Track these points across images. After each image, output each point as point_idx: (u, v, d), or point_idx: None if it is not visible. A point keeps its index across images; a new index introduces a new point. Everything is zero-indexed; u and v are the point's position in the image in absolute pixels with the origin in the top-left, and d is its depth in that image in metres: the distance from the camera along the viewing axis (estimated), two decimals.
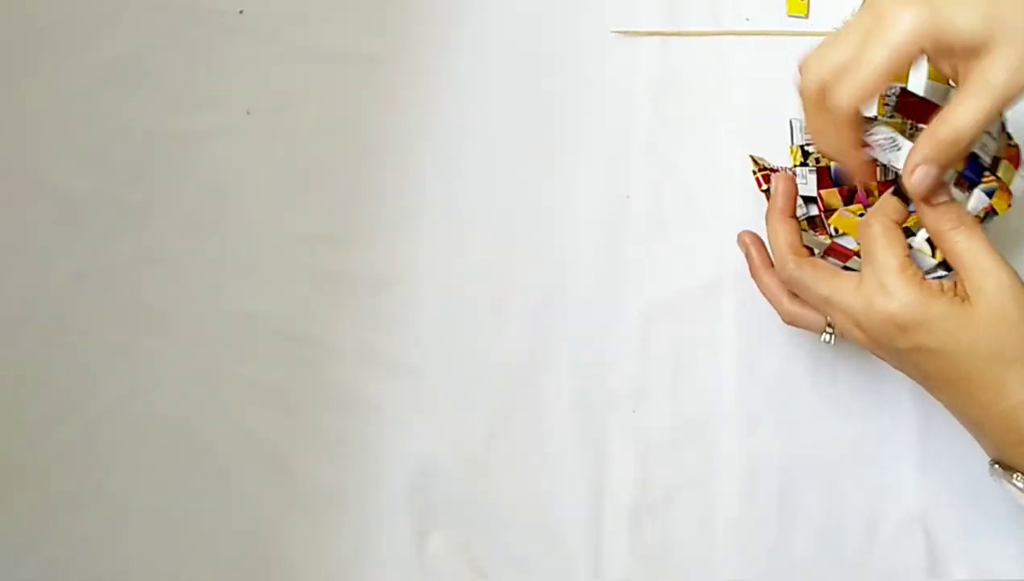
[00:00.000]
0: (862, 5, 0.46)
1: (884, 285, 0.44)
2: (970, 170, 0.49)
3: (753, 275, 0.53)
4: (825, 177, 0.58)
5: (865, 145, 0.47)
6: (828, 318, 0.49)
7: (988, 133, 0.49)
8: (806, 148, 0.58)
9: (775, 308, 0.52)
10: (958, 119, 0.43)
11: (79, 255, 0.63)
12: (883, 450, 0.56)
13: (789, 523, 0.55)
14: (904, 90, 0.53)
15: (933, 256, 0.48)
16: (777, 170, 0.58)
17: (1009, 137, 0.51)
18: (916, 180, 0.44)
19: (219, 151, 0.65)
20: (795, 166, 0.58)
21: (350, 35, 0.67)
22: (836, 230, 0.56)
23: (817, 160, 0.58)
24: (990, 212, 0.50)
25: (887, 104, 0.54)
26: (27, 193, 0.64)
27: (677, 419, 0.58)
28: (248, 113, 0.66)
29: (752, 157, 0.59)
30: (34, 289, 0.62)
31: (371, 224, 0.63)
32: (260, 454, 0.58)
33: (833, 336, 0.50)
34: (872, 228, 0.46)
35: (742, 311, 0.58)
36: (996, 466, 0.47)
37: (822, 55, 0.45)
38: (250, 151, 0.65)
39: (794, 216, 0.50)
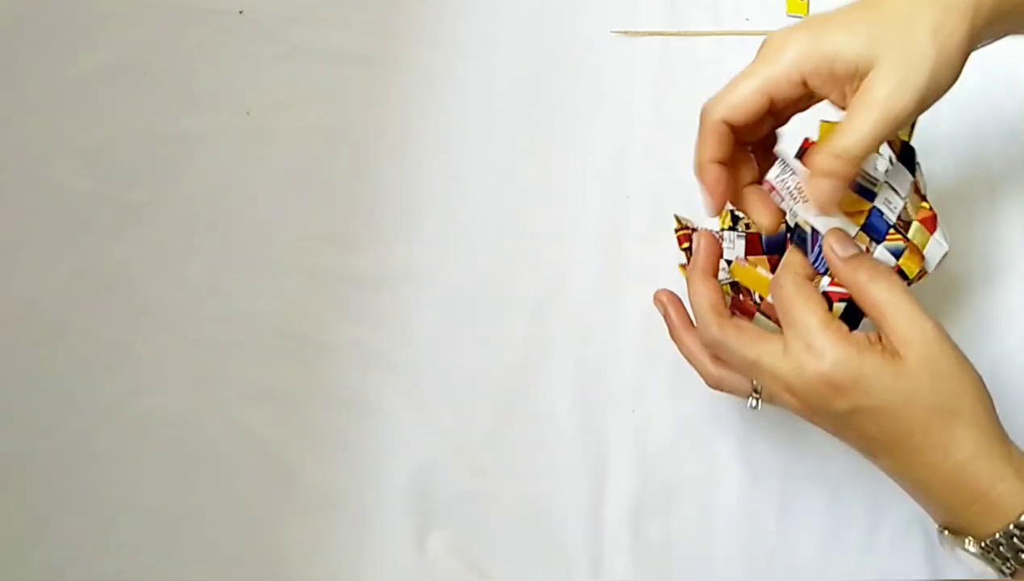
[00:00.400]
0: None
1: (811, 345, 0.42)
2: (874, 219, 0.47)
3: (673, 337, 0.50)
4: (755, 244, 0.56)
5: (770, 188, 0.46)
6: (755, 382, 0.47)
7: (894, 189, 0.47)
8: (735, 212, 0.56)
9: (698, 372, 0.49)
10: (844, 136, 0.42)
11: (79, 255, 0.63)
12: None
13: (789, 523, 0.55)
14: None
15: (830, 310, 0.45)
16: (709, 233, 0.56)
17: (924, 199, 0.49)
18: (815, 195, 0.44)
19: (219, 151, 0.65)
20: (723, 230, 0.56)
21: (350, 35, 0.67)
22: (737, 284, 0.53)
23: (747, 225, 0.56)
24: (900, 275, 0.47)
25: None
26: (27, 193, 0.64)
27: (677, 419, 0.58)
28: (248, 113, 0.66)
29: (676, 216, 0.56)
30: (34, 289, 0.62)
31: (371, 224, 0.63)
32: (260, 454, 0.58)
33: (759, 401, 0.48)
34: (784, 288, 0.44)
35: None
36: (945, 532, 0.44)
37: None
38: (250, 151, 0.65)
39: (716, 275, 0.48)
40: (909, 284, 0.47)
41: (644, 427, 0.58)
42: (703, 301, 0.47)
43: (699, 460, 0.57)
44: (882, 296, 0.43)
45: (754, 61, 0.44)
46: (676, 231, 0.56)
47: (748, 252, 0.56)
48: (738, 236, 0.56)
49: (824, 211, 0.45)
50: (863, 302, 0.43)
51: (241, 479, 0.58)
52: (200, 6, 0.68)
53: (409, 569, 0.56)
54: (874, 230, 0.47)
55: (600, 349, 0.59)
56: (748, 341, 0.45)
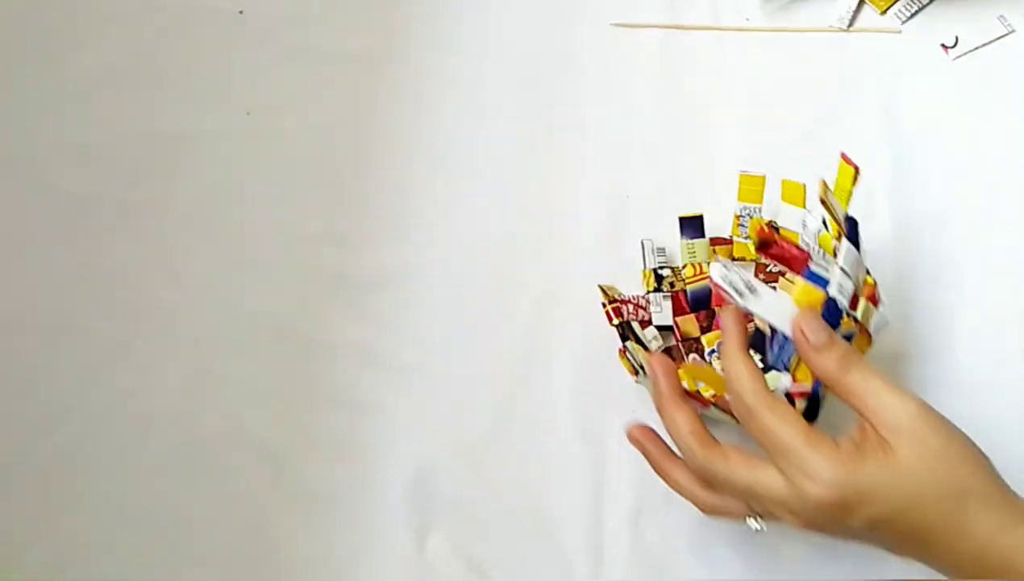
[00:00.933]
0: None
1: (806, 472, 0.40)
2: (829, 309, 0.45)
3: (657, 472, 0.48)
4: (680, 303, 0.56)
5: (717, 288, 0.45)
6: (752, 506, 0.44)
7: (845, 273, 0.46)
8: (659, 271, 0.56)
9: (691, 502, 0.47)
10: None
11: (79, 255, 0.63)
12: None
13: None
14: (769, 225, 0.51)
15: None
16: (628, 301, 0.56)
17: (868, 272, 0.49)
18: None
19: (219, 151, 0.65)
20: (648, 292, 0.56)
21: (350, 35, 0.67)
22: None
23: (672, 284, 0.56)
24: None
25: (742, 225, 0.52)
26: (27, 193, 0.64)
27: None
28: (248, 113, 0.66)
29: (600, 287, 0.56)
30: (34, 289, 0.62)
31: (371, 224, 0.63)
32: (260, 454, 0.58)
33: (762, 523, 0.45)
34: (752, 413, 0.41)
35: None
36: None
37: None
38: (250, 151, 0.65)
39: (686, 397, 0.46)
40: None
41: None
42: (682, 429, 0.44)
43: None
44: (859, 385, 0.41)
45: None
46: (604, 306, 0.55)
47: (675, 312, 0.57)
48: (664, 297, 0.56)
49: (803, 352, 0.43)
50: (839, 391, 0.42)
51: (241, 479, 0.58)
52: (200, 6, 0.68)
53: (409, 569, 0.56)
54: (828, 319, 0.45)
55: (600, 349, 0.59)
56: (739, 470, 0.42)
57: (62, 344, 0.61)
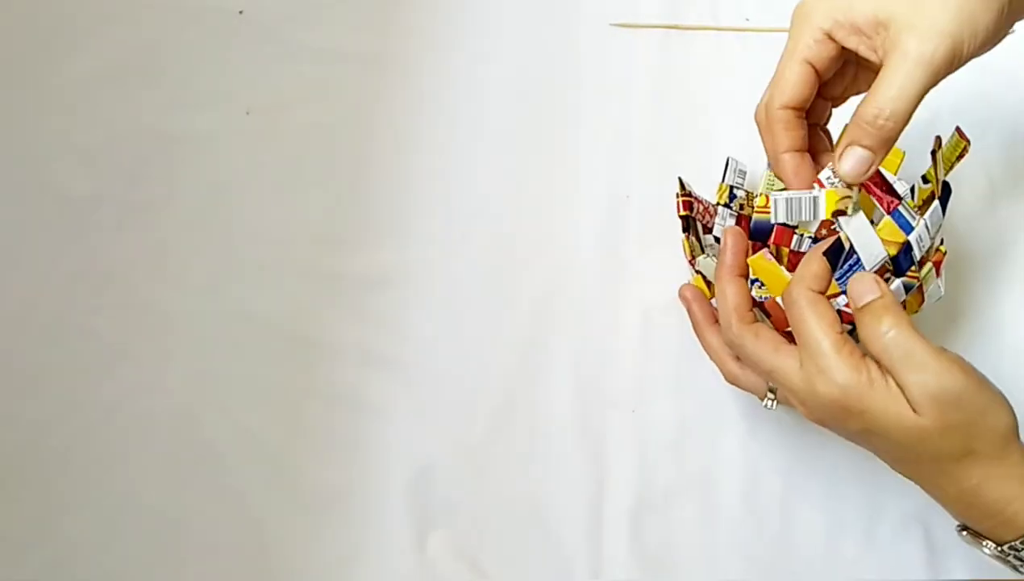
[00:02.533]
0: None
1: (822, 368, 0.42)
2: (903, 254, 0.47)
3: (696, 332, 0.51)
4: (743, 227, 0.55)
5: (819, 183, 0.45)
6: (770, 385, 0.48)
7: (928, 228, 0.47)
8: (735, 190, 0.56)
9: (717, 367, 0.50)
10: (880, 94, 0.42)
11: (79, 255, 0.63)
12: None
13: (789, 523, 0.55)
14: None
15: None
16: (702, 201, 0.57)
17: (942, 241, 0.50)
18: (847, 167, 0.44)
19: (219, 151, 0.65)
20: (719, 204, 0.56)
21: (350, 35, 0.67)
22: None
23: (741, 206, 0.56)
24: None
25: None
26: (27, 193, 0.64)
27: (677, 419, 0.58)
28: (248, 113, 0.66)
29: (680, 180, 0.56)
30: (34, 289, 0.62)
31: (371, 224, 0.63)
32: (260, 454, 0.58)
33: (775, 402, 0.48)
34: (798, 304, 0.43)
35: None
36: (964, 532, 0.45)
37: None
38: (250, 151, 0.65)
39: (744, 275, 0.48)
40: None
41: (644, 427, 0.58)
42: (728, 302, 0.47)
43: (699, 460, 0.57)
44: (898, 350, 0.41)
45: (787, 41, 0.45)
46: (678, 195, 0.55)
47: None
48: (730, 214, 0.56)
49: (855, 181, 0.44)
50: (873, 349, 0.42)
51: (241, 479, 0.58)
52: (200, 6, 0.68)
53: (409, 569, 0.56)
54: (900, 264, 0.47)
55: (600, 349, 0.59)
56: (765, 350, 0.45)
57: (62, 344, 0.61)
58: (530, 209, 0.62)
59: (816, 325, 0.42)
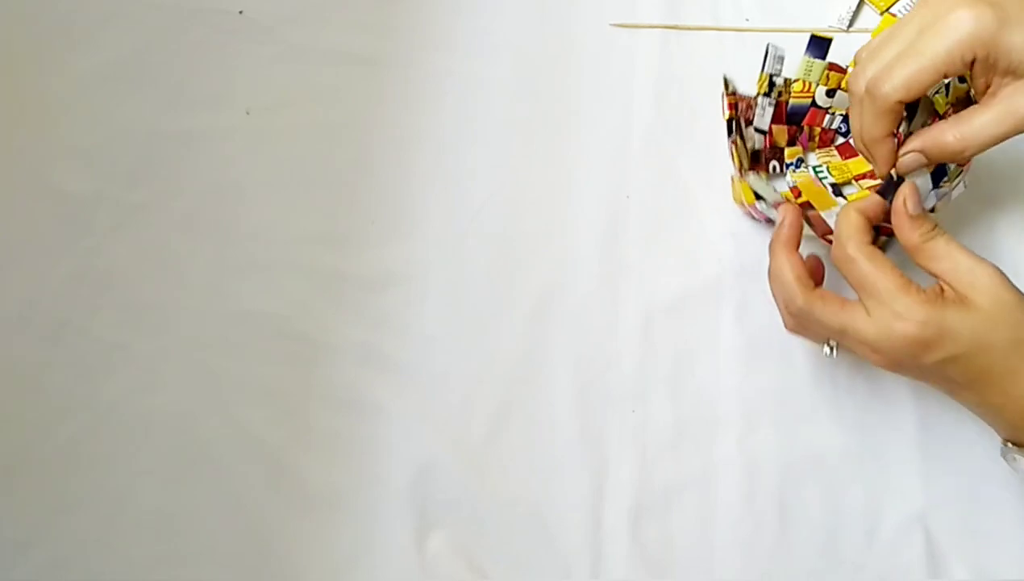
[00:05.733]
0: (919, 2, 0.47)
1: (896, 311, 0.45)
2: (939, 171, 0.51)
3: (771, 253, 0.51)
4: (780, 112, 0.59)
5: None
6: (840, 344, 0.49)
7: None
8: (774, 78, 0.59)
9: (780, 314, 0.51)
10: (972, 133, 0.45)
11: (79, 255, 0.63)
12: (883, 450, 0.56)
13: (789, 523, 0.55)
14: None
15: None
16: (745, 99, 0.59)
17: None
18: (905, 163, 0.48)
19: (219, 151, 0.65)
20: (759, 95, 0.59)
21: (350, 35, 0.67)
22: (795, 184, 0.59)
23: (780, 93, 0.59)
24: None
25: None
26: (27, 193, 0.64)
27: (677, 419, 0.58)
28: (248, 113, 0.66)
29: (725, 78, 0.58)
30: (34, 289, 0.62)
31: (371, 224, 0.63)
32: (260, 454, 0.58)
33: (835, 350, 0.50)
34: (856, 261, 0.46)
35: (742, 311, 0.58)
36: (1009, 444, 0.48)
37: (876, 50, 0.47)
38: (250, 151, 0.65)
39: (798, 247, 0.50)
40: None
41: (644, 427, 0.58)
42: (788, 273, 0.49)
43: (699, 460, 0.57)
44: (942, 250, 0.46)
45: (923, 36, 0.45)
46: (723, 96, 0.58)
47: (774, 120, 0.59)
48: (769, 103, 0.59)
49: (903, 174, 0.48)
50: (923, 257, 0.46)
51: (241, 479, 0.58)
52: (200, 6, 0.68)
53: (409, 569, 0.56)
54: (936, 176, 0.50)
55: (600, 349, 0.59)
56: (833, 310, 0.47)
57: (62, 344, 0.61)
58: (530, 209, 0.62)
59: (879, 275, 0.45)
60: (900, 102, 0.46)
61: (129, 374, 0.60)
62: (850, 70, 0.59)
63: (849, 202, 0.49)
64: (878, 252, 0.47)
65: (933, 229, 0.47)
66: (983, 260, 0.45)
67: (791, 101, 0.60)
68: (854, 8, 0.65)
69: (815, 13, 0.65)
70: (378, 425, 0.59)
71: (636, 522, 0.56)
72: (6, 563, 0.56)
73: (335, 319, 0.61)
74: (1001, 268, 0.46)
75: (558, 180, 0.63)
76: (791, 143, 0.61)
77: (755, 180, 0.55)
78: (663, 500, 0.56)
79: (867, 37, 0.64)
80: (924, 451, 0.55)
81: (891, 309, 0.45)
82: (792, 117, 0.60)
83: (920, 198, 0.47)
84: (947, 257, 0.46)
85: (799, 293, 0.48)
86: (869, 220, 0.48)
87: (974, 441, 0.54)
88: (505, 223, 0.62)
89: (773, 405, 0.57)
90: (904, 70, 0.45)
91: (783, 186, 0.60)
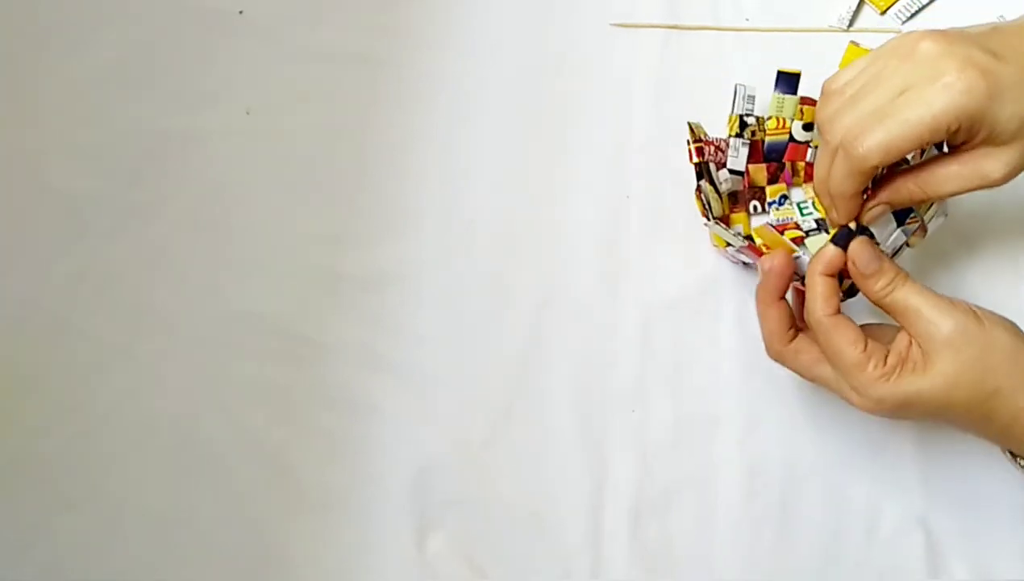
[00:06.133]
0: (900, 42, 0.45)
1: (854, 387, 0.45)
2: (900, 211, 0.50)
3: (758, 301, 0.50)
4: (757, 151, 0.59)
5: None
6: None
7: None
8: (745, 118, 0.58)
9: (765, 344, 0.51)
10: (934, 185, 0.45)
11: (79, 255, 0.63)
12: (883, 450, 0.56)
13: (789, 523, 0.55)
14: None
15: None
16: (713, 142, 0.58)
17: None
18: (871, 216, 0.47)
19: (219, 151, 0.65)
20: (731, 136, 0.58)
21: (350, 35, 0.67)
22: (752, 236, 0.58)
23: (753, 133, 0.58)
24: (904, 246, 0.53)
25: None
26: (27, 193, 0.64)
27: (677, 419, 0.58)
28: (248, 113, 0.66)
29: (690, 124, 0.57)
30: (34, 289, 0.62)
31: (371, 224, 0.63)
32: (260, 454, 0.58)
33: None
34: (818, 330, 0.46)
35: (742, 311, 0.58)
36: (1007, 453, 0.49)
37: (855, 99, 0.45)
38: (250, 151, 0.65)
39: (784, 298, 0.49)
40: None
41: (644, 427, 0.58)
42: (763, 326, 0.49)
43: (699, 460, 0.57)
44: (901, 305, 0.45)
45: (908, 97, 0.43)
46: (689, 143, 0.57)
47: (750, 159, 0.59)
48: (743, 144, 0.58)
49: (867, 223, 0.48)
50: (887, 310, 0.46)
51: (241, 479, 0.58)
52: (200, 6, 0.68)
53: (409, 569, 0.56)
54: (899, 215, 0.50)
55: (600, 349, 0.59)
56: (805, 366, 0.48)
57: (62, 344, 0.61)
58: (530, 209, 0.62)
59: (839, 349, 0.45)
60: (876, 167, 0.44)
61: (129, 374, 0.60)
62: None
63: (813, 257, 0.47)
64: (841, 322, 0.46)
65: (892, 280, 0.45)
66: (948, 308, 0.44)
67: (767, 139, 0.59)
68: (854, 8, 0.65)
69: (815, 13, 0.65)
70: (378, 425, 0.59)
71: (636, 522, 0.56)
72: (6, 563, 0.56)
73: (334, 319, 0.61)
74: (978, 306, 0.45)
75: (558, 180, 0.63)
76: (773, 181, 0.60)
77: (717, 228, 0.54)
78: (663, 500, 0.56)
79: (868, 37, 0.64)
80: (924, 451, 0.55)
81: (850, 384, 0.45)
82: (770, 155, 0.59)
83: (871, 255, 0.46)
84: (907, 311, 0.45)
85: (772, 346, 0.49)
86: (833, 277, 0.47)
87: (974, 441, 0.54)
88: (504, 223, 0.62)
89: (773, 405, 0.57)
90: (883, 134, 0.43)
91: (768, 222, 0.59)
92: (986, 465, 0.54)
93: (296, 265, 0.62)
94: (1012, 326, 0.45)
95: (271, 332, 0.61)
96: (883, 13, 0.65)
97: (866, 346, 0.45)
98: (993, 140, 0.43)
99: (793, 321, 0.49)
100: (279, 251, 0.62)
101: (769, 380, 0.57)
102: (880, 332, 0.47)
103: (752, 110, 0.59)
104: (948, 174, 0.45)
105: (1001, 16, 0.64)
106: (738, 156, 0.58)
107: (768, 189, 0.60)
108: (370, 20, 0.68)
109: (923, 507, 0.55)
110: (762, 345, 0.57)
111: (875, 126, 0.43)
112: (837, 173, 0.45)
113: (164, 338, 0.61)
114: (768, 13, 0.66)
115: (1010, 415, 0.44)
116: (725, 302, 0.59)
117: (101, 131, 0.65)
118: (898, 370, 0.44)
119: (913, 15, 0.65)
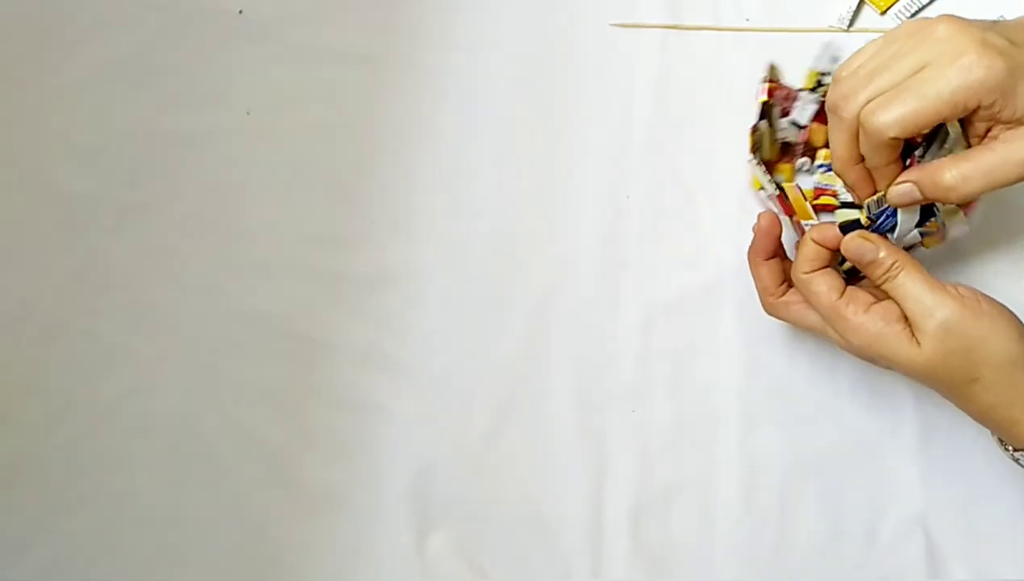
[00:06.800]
0: (915, 25, 0.45)
1: (839, 331, 0.48)
2: (926, 211, 0.50)
3: (751, 259, 0.52)
4: (824, 112, 0.58)
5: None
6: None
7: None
8: (823, 78, 0.59)
9: (759, 298, 0.53)
10: (970, 172, 0.44)
11: (79, 255, 0.63)
12: (883, 450, 0.56)
13: (789, 523, 0.55)
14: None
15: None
16: (785, 88, 0.59)
17: None
18: (897, 192, 0.47)
19: (219, 151, 0.65)
20: (804, 90, 0.59)
21: (350, 35, 0.67)
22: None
23: (825, 93, 0.58)
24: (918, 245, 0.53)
25: None
26: (27, 193, 0.64)
27: (677, 419, 0.58)
28: (248, 113, 0.66)
29: (772, 65, 0.59)
30: (34, 289, 0.62)
31: (371, 224, 0.63)
32: (260, 454, 0.58)
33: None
34: (801, 282, 0.49)
35: (742, 311, 0.58)
36: (995, 437, 0.50)
37: (871, 74, 0.45)
38: (250, 151, 0.65)
39: (775, 257, 0.51)
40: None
41: (644, 427, 0.58)
42: (760, 282, 0.52)
43: (699, 460, 0.57)
44: (899, 291, 0.46)
45: (926, 74, 0.43)
46: (765, 80, 0.58)
47: (816, 118, 0.59)
48: (813, 100, 0.59)
49: (897, 205, 0.48)
50: (883, 291, 0.48)
51: (241, 479, 0.58)
52: (200, 6, 0.68)
53: (409, 569, 0.56)
54: (923, 215, 0.50)
55: (600, 349, 0.59)
56: (798, 316, 0.51)
57: (62, 344, 0.61)
58: (530, 209, 0.62)
59: (818, 299, 0.48)
60: (894, 139, 0.44)
61: (129, 374, 0.60)
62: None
63: (815, 226, 0.49)
64: (819, 274, 0.48)
65: (888, 270, 0.47)
66: (943, 297, 0.45)
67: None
68: (854, 8, 0.65)
69: (815, 13, 0.65)
70: (378, 425, 0.59)
71: (636, 522, 0.56)
72: (6, 563, 0.56)
73: (335, 319, 0.61)
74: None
75: (558, 180, 0.63)
76: (828, 146, 0.60)
77: (759, 170, 0.56)
78: (663, 500, 0.56)
79: (868, 37, 0.64)
80: (924, 451, 0.55)
81: (833, 327, 0.48)
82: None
83: (861, 250, 0.47)
84: (905, 298, 0.46)
85: (765, 300, 0.52)
86: (827, 249, 0.49)
87: (974, 441, 0.54)
88: (505, 223, 0.62)
89: (773, 405, 0.57)
90: (902, 107, 0.43)
91: (809, 184, 0.60)
92: (986, 465, 0.54)
93: (296, 265, 0.62)
94: (1016, 325, 0.46)
95: (271, 332, 0.61)
96: (883, 13, 0.65)
97: (842, 294, 0.47)
98: (1020, 119, 0.43)
99: (784, 276, 0.51)
100: (279, 251, 0.62)
101: (769, 380, 0.57)
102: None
103: (832, 72, 0.58)
104: (982, 161, 0.44)
105: (1001, 16, 0.64)
106: (806, 110, 0.58)
107: (821, 152, 0.60)
108: (371, 20, 0.68)
109: (923, 507, 0.55)
110: (762, 345, 0.58)
111: (892, 100, 0.44)
112: (864, 148, 0.46)
113: (164, 338, 0.61)
114: (768, 13, 0.66)
115: (987, 404, 0.46)
116: (725, 302, 0.59)
117: (101, 131, 0.65)
118: (881, 323, 0.46)
119: (913, 15, 0.65)
